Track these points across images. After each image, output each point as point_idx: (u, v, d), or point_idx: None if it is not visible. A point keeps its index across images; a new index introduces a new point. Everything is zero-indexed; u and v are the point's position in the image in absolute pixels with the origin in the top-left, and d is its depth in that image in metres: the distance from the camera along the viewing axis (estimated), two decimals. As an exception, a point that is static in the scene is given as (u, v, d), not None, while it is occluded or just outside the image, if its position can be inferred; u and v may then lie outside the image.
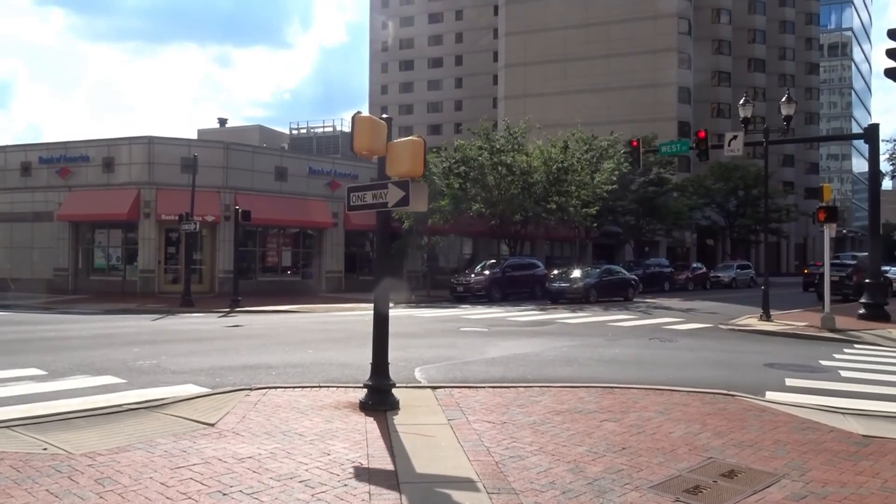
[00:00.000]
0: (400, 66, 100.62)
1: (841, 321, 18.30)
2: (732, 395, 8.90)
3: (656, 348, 14.71)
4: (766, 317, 20.08)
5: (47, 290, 30.55)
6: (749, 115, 21.85)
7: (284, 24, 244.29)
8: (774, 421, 7.59)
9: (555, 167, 33.85)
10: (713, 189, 58.01)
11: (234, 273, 25.62)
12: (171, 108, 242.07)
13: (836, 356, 13.43)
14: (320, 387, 9.03)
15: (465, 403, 8.15)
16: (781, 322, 19.73)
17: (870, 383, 10.41)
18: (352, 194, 8.17)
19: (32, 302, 26.15)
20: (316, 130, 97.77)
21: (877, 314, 19.77)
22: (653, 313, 23.68)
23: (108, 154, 31.53)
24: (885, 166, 47.61)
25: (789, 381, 10.52)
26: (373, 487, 5.25)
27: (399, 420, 7.33)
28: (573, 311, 24.44)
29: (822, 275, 21.89)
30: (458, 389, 8.99)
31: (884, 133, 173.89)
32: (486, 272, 31.44)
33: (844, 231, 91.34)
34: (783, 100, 21.22)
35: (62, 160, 32.15)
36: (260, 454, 6.05)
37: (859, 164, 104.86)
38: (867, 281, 20.92)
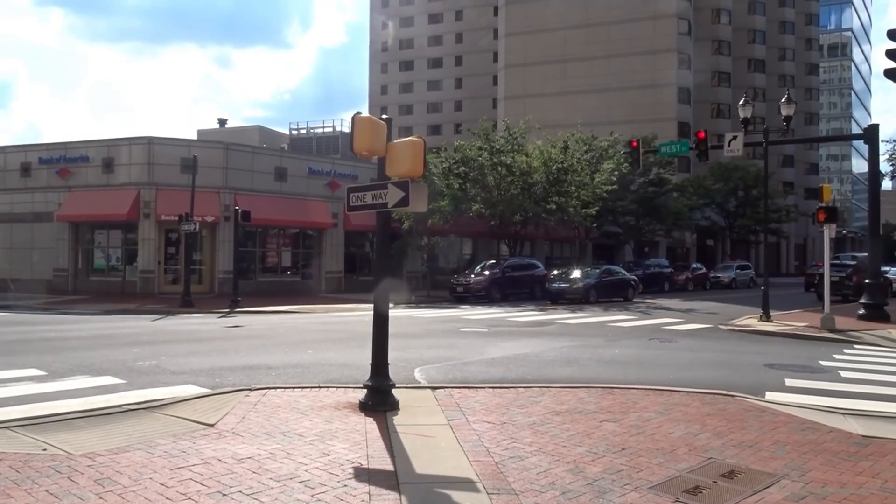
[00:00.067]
0: (400, 66, 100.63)
1: (841, 322, 18.30)
2: (732, 396, 8.90)
3: (656, 349, 14.71)
4: (766, 317, 20.08)
5: (47, 290, 30.54)
6: (749, 116, 21.86)
7: (284, 24, 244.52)
8: (774, 421, 7.59)
9: (555, 168, 33.85)
10: (713, 189, 58.02)
11: (233, 273, 25.61)
12: (171, 109, 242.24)
13: (836, 357, 13.43)
14: (320, 387, 9.03)
15: (465, 404, 8.15)
16: (781, 322, 19.74)
17: (869, 384, 10.41)
18: (352, 195, 8.17)
19: (32, 302, 26.15)
20: (316, 131, 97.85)
21: (877, 314, 19.78)
22: (652, 314, 23.68)
23: (107, 154, 31.53)
24: (884, 167, 47.60)
25: (789, 382, 10.52)
26: (372, 488, 5.25)
27: (399, 420, 7.33)
28: (573, 311, 24.44)
29: (821, 275, 21.88)
30: (458, 390, 8.99)
31: (883, 133, 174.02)
32: (486, 272, 31.44)
33: (844, 231, 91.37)
34: (783, 100, 21.22)
35: (62, 161, 32.15)
36: (259, 454, 6.05)
37: (859, 165, 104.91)
38: (867, 281, 20.93)
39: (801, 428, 7.32)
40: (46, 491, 5.06)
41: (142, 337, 15.50)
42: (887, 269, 32.28)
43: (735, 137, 21.74)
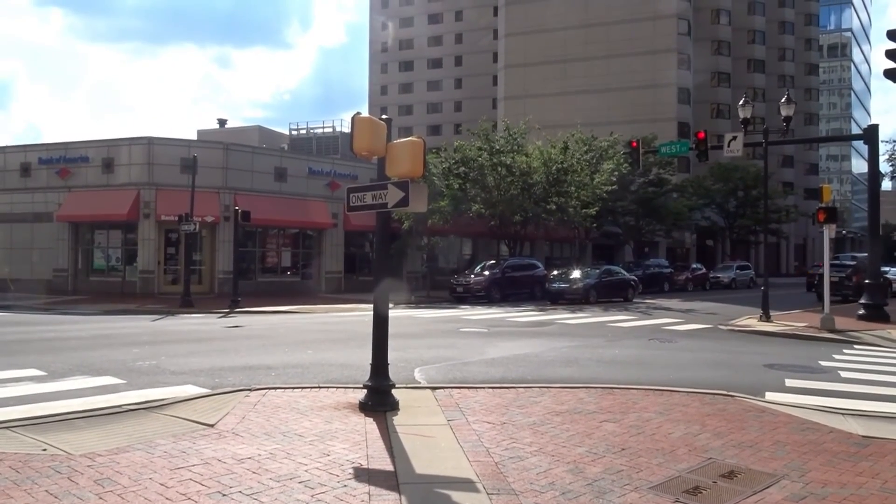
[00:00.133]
0: (400, 66, 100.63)
1: (840, 322, 18.30)
2: (732, 396, 8.90)
3: (656, 349, 14.71)
4: (766, 317, 20.08)
5: (47, 290, 30.53)
6: (748, 116, 21.87)
7: (284, 24, 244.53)
8: (774, 422, 7.59)
9: (554, 168, 33.85)
10: (713, 190, 58.02)
11: (233, 274, 25.62)
12: (171, 109, 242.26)
13: (836, 357, 13.43)
14: (320, 387, 9.03)
15: (465, 404, 8.15)
16: (781, 323, 19.74)
17: (869, 384, 10.41)
18: (351, 195, 8.17)
19: (32, 302, 26.14)
20: (315, 131, 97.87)
21: (876, 315, 19.78)
22: (652, 314, 23.68)
23: (107, 155, 31.53)
24: (884, 167, 47.59)
25: (789, 382, 10.52)
26: (372, 488, 5.25)
27: (399, 421, 7.33)
28: (573, 311, 24.44)
29: (821, 275, 21.89)
30: (458, 390, 8.99)
31: (883, 134, 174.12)
32: (486, 273, 31.44)
33: (844, 232, 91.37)
34: (783, 100, 21.23)
35: (62, 161, 32.15)
36: (259, 455, 6.05)
37: (859, 165, 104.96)
38: (867, 282, 20.93)
39: (801, 428, 7.32)
40: (46, 491, 5.06)
41: (142, 337, 15.50)
42: (887, 269, 32.27)
43: (735, 138, 21.75)
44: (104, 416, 7.33)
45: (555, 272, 32.41)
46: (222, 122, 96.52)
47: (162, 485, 5.25)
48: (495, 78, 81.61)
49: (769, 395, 9.23)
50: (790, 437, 6.93)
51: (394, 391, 8.00)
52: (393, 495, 5.12)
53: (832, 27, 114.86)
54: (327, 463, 5.85)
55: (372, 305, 8.27)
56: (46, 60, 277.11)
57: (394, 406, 7.80)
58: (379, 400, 7.79)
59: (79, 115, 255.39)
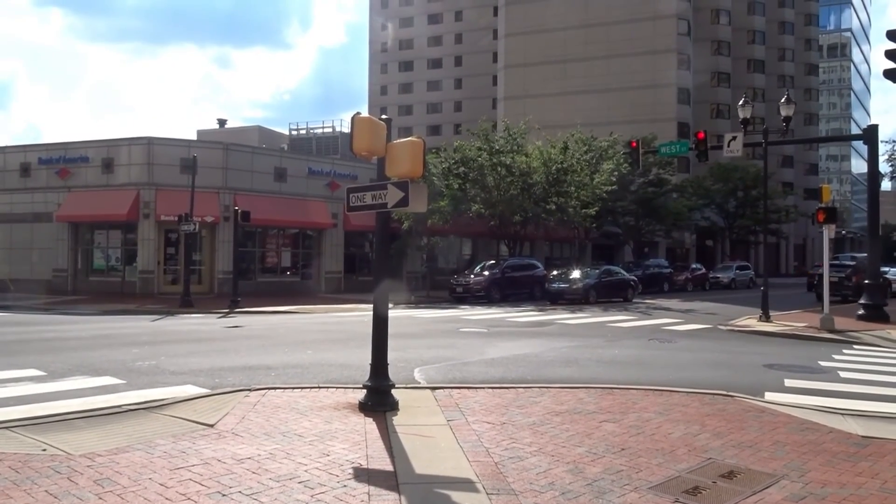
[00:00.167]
0: (399, 66, 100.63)
1: (840, 322, 18.30)
2: (732, 396, 8.90)
3: (656, 349, 14.71)
4: (766, 318, 20.09)
5: (46, 290, 30.53)
6: (748, 116, 21.88)
7: (284, 24, 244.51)
8: (774, 422, 7.60)
9: (554, 168, 33.86)
10: (712, 190, 58.04)
11: (233, 274, 25.62)
12: (171, 109, 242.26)
13: (836, 357, 13.44)
14: (319, 387, 9.03)
15: (465, 404, 8.15)
16: (780, 323, 19.74)
17: (869, 384, 10.42)
18: (351, 195, 8.17)
19: (32, 303, 26.14)
20: (315, 131, 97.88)
21: (876, 315, 19.78)
22: (652, 314, 23.69)
23: (107, 155, 31.53)
24: (883, 167, 47.58)
25: (788, 382, 10.52)
26: (372, 488, 5.25)
27: (398, 421, 7.33)
28: (572, 311, 24.44)
29: (821, 275, 21.90)
30: (458, 390, 8.99)
31: (883, 134, 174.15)
32: (486, 273, 31.44)
33: (844, 232, 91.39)
34: (782, 101, 21.23)
35: (61, 161, 32.15)
36: (259, 455, 6.05)
37: (858, 165, 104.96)
38: (866, 282, 20.93)
39: (801, 428, 7.32)
40: (46, 491, 5.06)
41: (141, 337, 15.50)
42: (886, 269, 32.28)
43: (734, 138, 21.75)
44: (104, 417, 7.33)
45: (554, 272, 32.41)
46: (222, 123, 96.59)
47: (162, 485, 5.25)
48: (495, 78, 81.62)
49: (769, 396, 9.23)
50: (790, 438, 6.93)
51: (393, 391, 8.00)
52: (392, 495, 5.12)
53: (832, 27, 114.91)
54: (327, 463, 5.85)
55: (371, 305, 8.27)
56: (46, 60, 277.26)
57: (393, 406, 7.80)
58: (378, 400, 7.79)
59: (79, 116, 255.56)
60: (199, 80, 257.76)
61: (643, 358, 13.31)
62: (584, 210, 34.93)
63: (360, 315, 21.45)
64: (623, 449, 6.43)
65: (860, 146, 59.26)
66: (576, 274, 30.62)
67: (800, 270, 78.10)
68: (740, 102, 22.02)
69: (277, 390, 8.76)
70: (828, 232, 18.96)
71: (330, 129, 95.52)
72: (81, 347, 13.51)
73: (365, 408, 7.74)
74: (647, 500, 5.14)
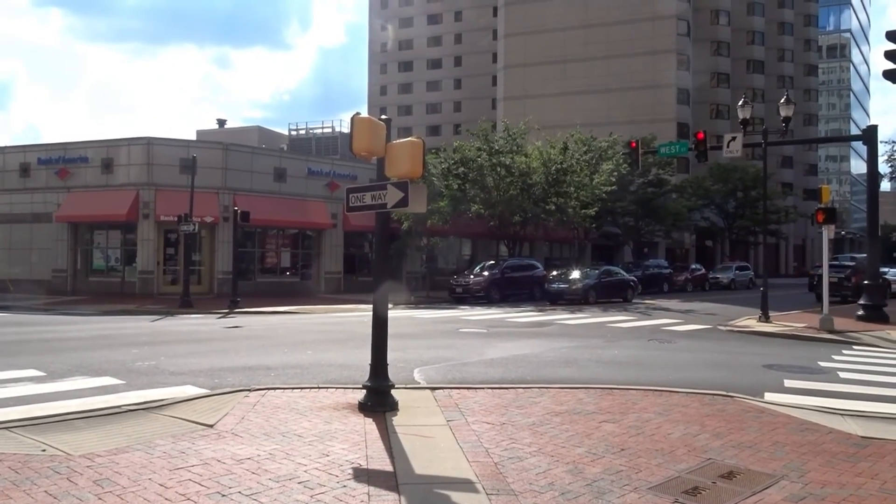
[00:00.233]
0: (399, 67, 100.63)
1: (839, 322, 18.31)
2: (731, 397, 8.91)
3: (655, 349, 14.71)
4: (765, 318, 20.09)
5: (46, 291, 30.51)
6: (748, 117, 21.89)
7: (283, 25, 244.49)
8: (773, 422, 7.60)
9: (554, 168, 33.87)
10: (712, 190, 58.06)
11: (232, 274, 25.62)
12: (171, 109, 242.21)
13: (835, 357, 13.44)
14: (319, 388, 9.03)
15: (464, 404, 8.15)
16: (780, 323, 19.75)
17: (868, 385, 10.42)
18: (351, 195, 8.17)
19: (31, 303, 26.13)
20: (315, 131, 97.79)
21: (875, 315, 19.79)
22: (652, 314, 23.69)
23: (106, 155, 31.52)
24: (883, 168, 47.63)
25: (788, 383, 10.53)
26: (372, 488, 5.25)
27: (398, 421, 7.33)
28: (572, 312, 24.44)
29: (820, 276, 21.91)
30: (457, 390, 8.99)
31: (882, 134, 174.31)
32: (485, 273, 31.44)
33: (843, 232, 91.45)
34: (782, 101, 21.24)
35: (61, 161, 32.14)
36: (259, 455, 6.04)
37: (858, 166, 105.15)
38: (866, 282, 20.94)
39: (800, 429, 7.32)
40: (45, 492, 5.06)
41: (141, 337, 15.49)
42: (886, 269, 32.29)
43: (734, 138, 21.75)
44: (103, 417, 7.33)
45: (554, 273, 32.41)
46: (222, 123, 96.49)
47: (161, 485, 5.25)
48: (495, 78, 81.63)
49: (768, 396, 9.23)
50: (789, 438, 6.93)
51: (393, 391, 8.00)
52: (392, 496, 5.12)
53: (831, 28, 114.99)
54: (327, 463, 5.85)
55: (371, 306, 8.27)
56: (46, 61, 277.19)
57: (393, 406, 7.80)
58: (378, 400, 7.79)
59: (78, 116, 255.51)
60: (199, 80, 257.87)
61: (643, 358, 13.31)
62: (583, 210, 34.94)
63: (359, 315, 21.45)
64: (623, 449, 6.43)
65: (859, 147, 59.26)
66: (575, 274, 30.63)
67: (799, 271, 78.14)
68: (740, 103, 22.03)
69: (277, 391, 8.76)
70: (827, 232, 18.97)
71: (329, 130, 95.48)
72: (81, 348, 13.50)
73: (365, 408, 7.74)
74: (646, 500, 5.14)
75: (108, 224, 31.46)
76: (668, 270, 42.28)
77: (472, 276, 31.39)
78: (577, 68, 70.25)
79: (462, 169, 33.40)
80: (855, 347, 15.30)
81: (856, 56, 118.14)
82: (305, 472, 5.62)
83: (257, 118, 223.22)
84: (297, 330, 17.63)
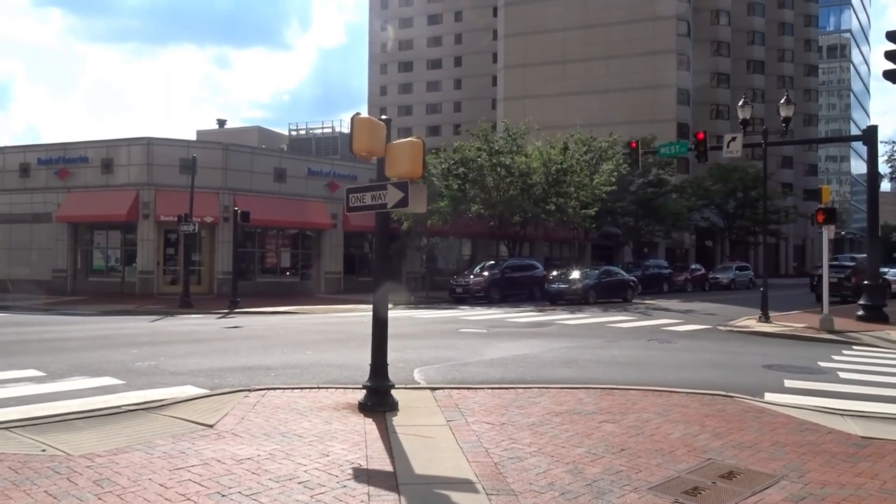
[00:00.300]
0: (399, 67, 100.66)
1: (839, 323, 18.31)
2: (731, 397, 8.91)
3: (655, 349, 14.71)
4: (765, 318, 20.09)
5: (46, 291, 30.51)
6: (748, 117, 21.89)
7: (283, 25, 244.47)
8: (773, 422, 7.60)
9: (554, 168, 33.88)
10: (712, 190, 58.07)
11: (232, 274, 25.62)
12: (170, 110, 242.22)
13: (835, 358, 13.44)
14: (319, 388, 9.03)
15: (464, 405, 8.15)
16: (780, 323, 19.75)
17: (868, 385, 10.42)
18: (351, 195, 8.17)
19: (31, 303, 26.13)
20: (315, 131, 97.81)
21: (875, 316, 19.79)
22: (651, 315, 23.69)
23: (106, 155, 31.52)
24: (883, 168, 47.62)
25: (788, 383, 10.53)
26: (372, 488, 5.25)
27: (398, 421, 7.33)
28: (572, 312, 24.44)
29: (820, 276, 21.92)
30: (457, 391, 8.99)
31: (882, 135, 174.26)
32: (485, 273, 31.44)
33: (843, 233, 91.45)
34: (782, 101, 21.24)
35: (61, 161, 32.14)
36: (259, 455, 6.04)
37: (858, 166, 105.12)
38: (866, 282, 20.94)
39: (800, 429, 7.32)
40: (45, 492, 5.06)
41: (141, 338, 15.49)
42: (886, 270, 32.29)
43: (734, 138, 21.75)
44: (103, 417, 7.33)
45: (554, 273, 32.41)
46: (221, 123, 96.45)
47: (161, 485, 5.25)
48: (495, 79, 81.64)
49: (768, 396, 9.23)
50: (789, 438, 6.93)
51: (393, 392, 8.00)
52: (392, 496, 5.12)
53: (831, 28, 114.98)
54: (326, 463, 5.85)
55: (371, 306, 8.27)
56: (45, 61, 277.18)
57: (393, 406, 7.80)
58: (378, 400, 7.79)
59: (78, 116, 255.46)
60: (199, 80, 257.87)
61: (642, 358, 13.32)
62: (583, 210, 34.95)
63: (359, 315, 21.45)
64: (622, 449, 6.44)
65: (860, 147, 59.25)
66: (575, 274, 30.63)
67: (799, 271, 78.17)
68: (740, 103, 22.03)
69: (277, 391, 8.76)
70: (827, 233, 18.97)
71: (329, 130, 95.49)
72: (81, 348, 13.50)
73: (364, 408, 7.74)
74: (646, 500, 5.15)
75: (108, 224, 31.46)
76: (667, 270, 42.28)
77: (472, 277, 31.39)
78: (577, 69, 70.26)
79: (462, 169, 33.41)
80: (855, 347, 15.30)
81: (856, 56, 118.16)
82: (305, 472, 5.62)
83: (257, 118, 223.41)
84: (297, 330, 17.63)
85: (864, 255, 25.87)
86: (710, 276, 45.17)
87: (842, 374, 11.40)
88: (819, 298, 20.71)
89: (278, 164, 34.39)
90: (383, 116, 8.59)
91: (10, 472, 5.48)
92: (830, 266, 22.11)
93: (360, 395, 8.03)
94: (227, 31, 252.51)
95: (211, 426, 6.98)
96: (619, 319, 21.43)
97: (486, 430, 7.04)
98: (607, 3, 69.60)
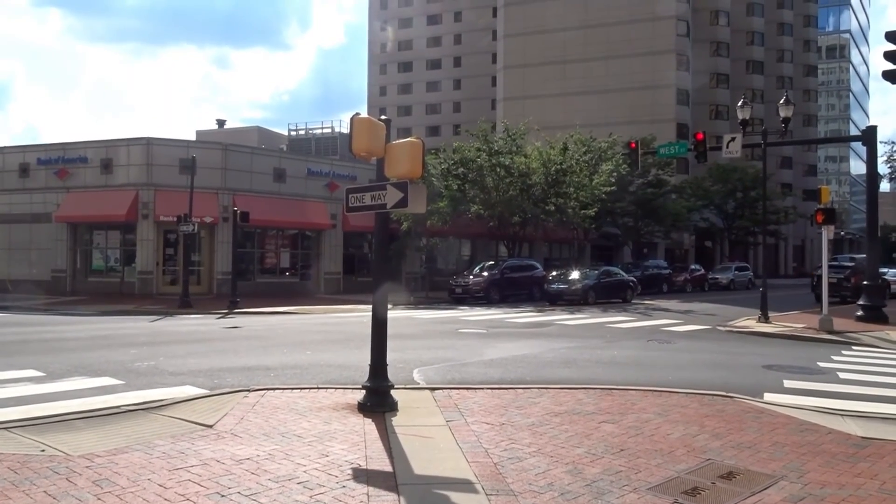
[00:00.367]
0: (399, 67, 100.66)
1: (839, 323, 18.31)
2: (731, 397, 8.91)
3: (654, 350, 14.72)
4: (765, 318, 20.09)
5: (45, 291, 30.50)
6: (747, 117, 21.89)
7: (283, 25, 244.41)
8: (773, 422, 7.60)
9: (553, 169, 33.89)
10: (711, 191, 58.07)
11: (232, 274, 25.62)
12: (170, 110, 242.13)
13: (835, 358, 13.44)
14: (318, 388, 9.03)
15: (464, 405, 8.15)
16: (779, 324, 19.75)
17: (868, 385, 10.42)
18: (350, 196, 8.17)
19: (30, 303, 26.12)
20: (314, 132, 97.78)
21: (875, 316, 19.79)
22: (651, 315, 23.69)
23: (106, 155, 31.52)
24: (882, 168, 47.69)
25: (787, 383, 10.53)
26: (371, 489, 5.25)
27: (397, 421, 7.33)
28: (572, 312, 24.44)
29: (819, 276, 21.93)
30: (457, 391, 8.99)
31: (881, 135, 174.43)
32: (485, 273, 31.43)
33: (842, 233, 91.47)
34: (781, 102, 21.24)
35: (60, 161, 32.14)
36: (258, 455, 6.04)
37: (857, 167, 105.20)
38: (865, 283, 20.94)
39: (800, 429, 7.33)
40: (45, 492, 5.06)
41: (140, 338, 15.49)
42: (885, 270, 32.30)
43: (734, 139, 21.75)
44: (103, 417, 7.33)
45: (554, 273, 32.40)
46: (221, 123, 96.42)
47: (160, 486, 5.25)
48: (494, 79, 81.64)
49: (768, 396, 9.23)
50: (789, 438, 6.93)
51: (392, 392, 8.00)
52: (392, 496, 5.12)
53: (831, 29, 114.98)
54: (326, 464, 5.85)
55: (370, 306, 8.27)
56: (45, 61, 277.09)
57: (392, 407, 7.80)
58: (378, 401, 7.79)
59: (77, 116, 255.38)
60: (199, 80, 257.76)
61: (642, 359, 13.32)
62: (583, 211, 34.95)
63: (359, 316, 21.45)
64: (622, 450, 6.44)
65: (859, 147, 59.31)
66: (575, 275, 30.63)
67: (798, 271, 78.20)
68: (739, 103, 22.04)
69: (276, 391, 8.75)
70: (827, 233, 18.98)
71: (329, 130, 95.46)
72: (80, 348, 13.50)
73: (364, 408, 7.74)
74: (646, 500, 5.15)
75: (108, 224, 31.46)
76: (667, 271, 42.28)
77: (471, 277, 31.38)
78: (577, 69, 70.27)
79: (461, 169, 33.41)
80: (854, 348, 15.30)
81: (855, 57, 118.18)
82: (305, 472, 5.62)
83: (257, 118, 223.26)
84: (297, 330, 17.63)
85: (864, 256, 25.87)
86: (710, 277, 45.18)
87: (841, 375, 11.40)
88: (819, 299, 20.72)
89: (278, 164, 34.40)
90: (383, 117, 8.59)
91: (9, 472, 5.48)
92: (830, 266, 22.12)
93: (360, 395, 8.03)
94: (226, 31, 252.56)
95: (210, 426, 6.98)
96: (619, 320, 21.43)
97: (486, 430, 7.04)
98: (607, 4, 69.62)
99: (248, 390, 8.76)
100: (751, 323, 20.00)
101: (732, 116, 67.39)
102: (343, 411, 7.75)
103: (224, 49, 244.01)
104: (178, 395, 8.65)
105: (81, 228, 32.13)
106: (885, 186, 71.72)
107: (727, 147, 21.77)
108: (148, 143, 31.04)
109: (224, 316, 22.12)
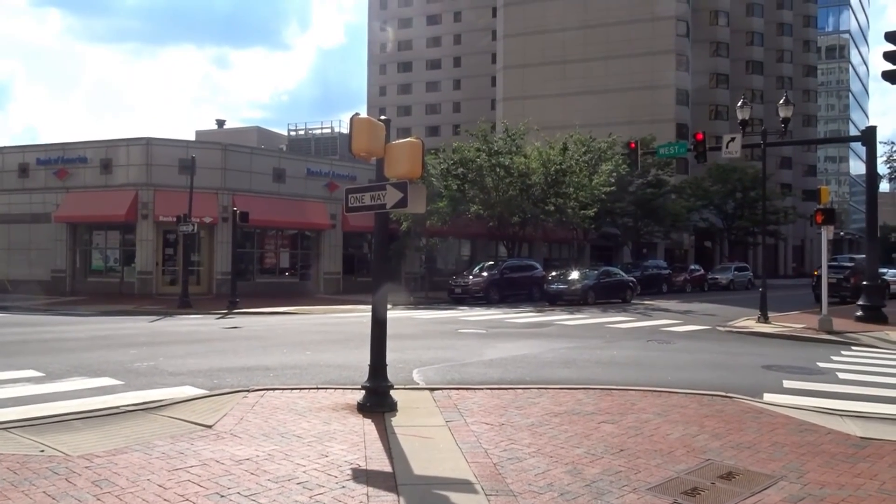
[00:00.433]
0: (398, 67, 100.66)
1: (838, 323, 18.32)
2: (730, 397, 8.91)
3: (654, 350, 14.72)
4: (764, 319, 20.09)
5: (45, 291, 30.51)
6: (747, 118, 21.89)
7: (283, 25, 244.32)
8: (772, 423, 7.60)
9: (553, 169, 33.90)
10: (711, 191, 58.08)
11: (231, 274, 25.62)
12: (170, 110, 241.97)
13: (834, 358, 13.45)
14: (318, 388, 9.03)
15: (463, 405, 8.15)
16: (779, 324, 19.75)
17: (867, 385, 10.43)
18: (350, 196, 8.17)
19: (30, 303, 26.12)
20: (314, 132, 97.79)
21: (874, 316, 19.79)
22: (651, 315, 23.69)
23: (105, 155, 31.51)
24: (882, 169, 47.74)
25: (787, 383, 10.53)
26: (371, 489, 5.25)
27: (397, 422, 7.33)
28: (571, 312, 24.44)
29: (819, 277, 21.93)
30: (456, 391, 8.98)
31: (881, 135, 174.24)
32: (485, 274, 31.43)
33: (842, 233, 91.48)
34: (781, 102, 21.25)
35: (60, 161, 32.13)
36: (258, 456, 6.04)
37: (857, 167, 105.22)
38: (865, 283, 20.95)
39: (799, 429, 7.33)
40: (44, 492, 5.06)
41: (139, 338, 15.48)
42: (885, 270, 32.31)
43: (733, 139, 21.75)
44: (102, 418, 7.33)
45: (553, 273, 32.40)
46: (221, 123, 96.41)
47: (160, 486, 5.24)
48: (494, 79, 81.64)
49: (767, 397, 9.24)
50: (788, 439, 6.93)
51: (392, 392, 8.00)
52: (391, 496, 5.12)
53: (830, 29, 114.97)
54: (325, 464, 5.85)
55: (370, 307, 8.27)
56: (44, 61, 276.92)
57: (392, 407, 7.80)
58: (377, 401, 7.79)
59: (77, 116, 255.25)
60: (198, 80, 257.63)
61: (642, 359, 13.32)
62: (582, 211, 34.96)
63: (358, 316, 21.45)
64: (622, 450, 6.44)
65: (858, 148, 59.30)
66: (574, 275, 30.62)
67: (798, 272, 78.23)
68: (739, 104, 22.04)
69: (276, 391, 8.75)
70: (826, 233, 18.99)
71: (329, 130, 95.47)
72: (79, 348, 13.50)
73: (363, 409, 7.74)
74: (645, 500, 5.15)
75: (107, 224, 31.45)
76: (667, 271, 42.27)
77: (471, 277, 31.38)
78: (577, 69, 70.29)
79: (461, 169, 33.41)
80: (854, 348, 15.31)
81: (855, 57, 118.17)
82: (304, 472, 5.62)
83: (256, 118, 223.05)
84: (296, 330, 17.63)
85: (863, 256, 25.88)
86: (709, 277, 45.19)
87: (841, 375, 11.40)
88: (818, 299, 20.72)
89: (277, 164, 34.39)
90: (382, 117, 8.59)
91: (8, 472, 5.48)
92: (829, 266, 22.12)
93: (360, 395, 8.03)
94: (226, 31, 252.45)
95: (210, 427, 6.97)
96: (618, 320, 21.43)
97: (485, 430, 7.04)
98: (607, 4, 69.64)
99: (247, 390, 8.76)
100: (750, 323, 20.00)
101: (732, 116, 67.39)
102: (343, 411, 7.75)
103: (224, 49, 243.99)
104: (177, 396, 8.65)
105: (81, 228, 32.12)
106: (884, 187, 71.74)
107: (727, 147, 21.77)
108: (147, 144, 31.03)
109: (223, 316, 22.11)
